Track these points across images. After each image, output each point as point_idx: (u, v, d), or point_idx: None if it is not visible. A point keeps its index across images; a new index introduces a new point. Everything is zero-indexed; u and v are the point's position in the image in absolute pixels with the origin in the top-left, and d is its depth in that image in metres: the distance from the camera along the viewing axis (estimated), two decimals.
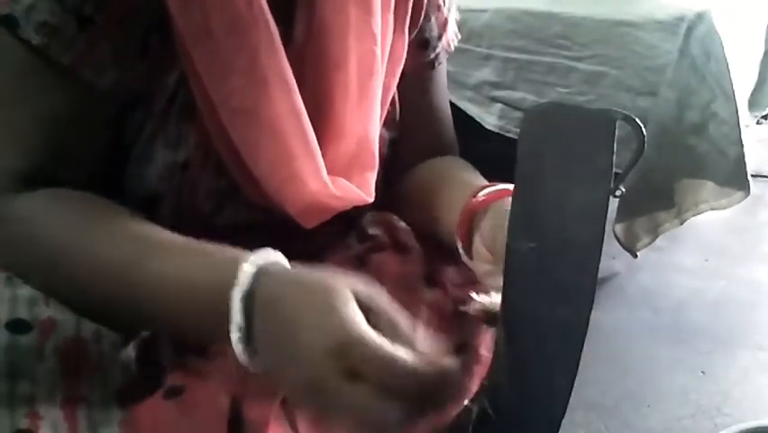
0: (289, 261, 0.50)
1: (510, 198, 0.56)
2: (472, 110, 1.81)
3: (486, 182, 0.66)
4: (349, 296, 0.45)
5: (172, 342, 0.57)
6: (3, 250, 0.57)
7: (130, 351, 0.54)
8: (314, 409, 0.46)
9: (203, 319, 0.49)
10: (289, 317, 0.45)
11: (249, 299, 0.46)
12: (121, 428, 0.52)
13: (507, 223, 0.52)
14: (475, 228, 0.61)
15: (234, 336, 0.46)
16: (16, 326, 0.52)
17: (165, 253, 0.52)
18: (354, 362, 0.42)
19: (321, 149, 0.62)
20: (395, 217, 0.74)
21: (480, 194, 0.62)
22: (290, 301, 0.46)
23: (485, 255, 0.59)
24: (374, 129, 0.67)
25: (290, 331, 0.44)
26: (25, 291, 0.54)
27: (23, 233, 0.55)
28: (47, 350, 0.52)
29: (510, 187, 0.59)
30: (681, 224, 1.67)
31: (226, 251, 0.50)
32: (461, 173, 0.72)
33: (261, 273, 0.47)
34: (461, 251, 0.63)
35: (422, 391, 0.42)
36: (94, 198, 0.57)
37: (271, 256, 0.49)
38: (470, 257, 0.62)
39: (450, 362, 0.43)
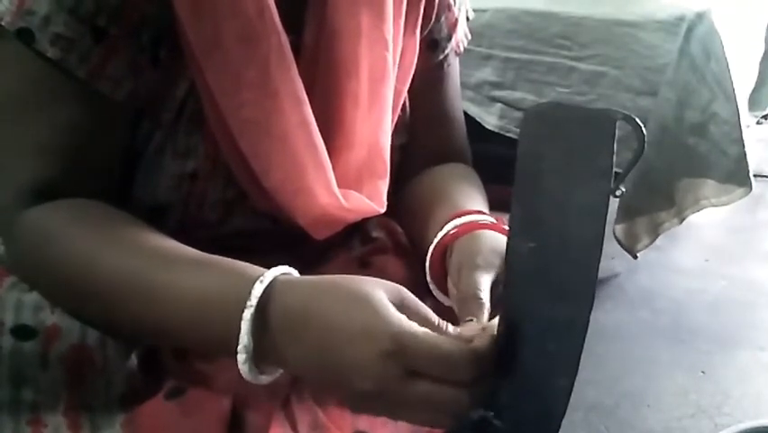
0: (292, 262, 0.50)
1: (477, 232, 0.58)
2: (472, 110, 1.81)
3: (473, 205, 0.65)
4: (382, 295, 0.45)
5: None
6: (20, 262, 0.56)
7: (133, 358, 0.54)
8: (380, 412, 0.46)
9: (211, 336, 0.49)
10: (328, 329, 0.45)
11: (260, 318, 0.46)
12: (123, 429, 0.52)
13: (470, 263, 0.54)
14: (448, 265, 0.60)
15: (241, 356, 0.46)
16: (21, 332, 0.52)
17: (178, 267, 0.52)
18: (410, 361, 0.43)
19: (332, 158, 0.62)
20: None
21: (450, 226, 0.61)
22: (323, 313, 0.45)
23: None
24: (385, 137, 0.67)
25: (334, 343, 0.44)
26: (31, 297, 0.54)
27: (40, 246, 0.54)
28: (51, 357, 0.52)
29: (482, 218, 0.61)
30: (681, 222, 1.67)
31: (238, 267, 0.50)
32: (454, 190, 0.69)
33: (274, 290, 0.47)
34: (434, 288, 0.62)
35: (480, 372, 0.44)
36: (109, 209, 0.56)
37: (282, 270, 0.49)
38: (446, 294, 0.60)
39: (488, 341, 0.45)
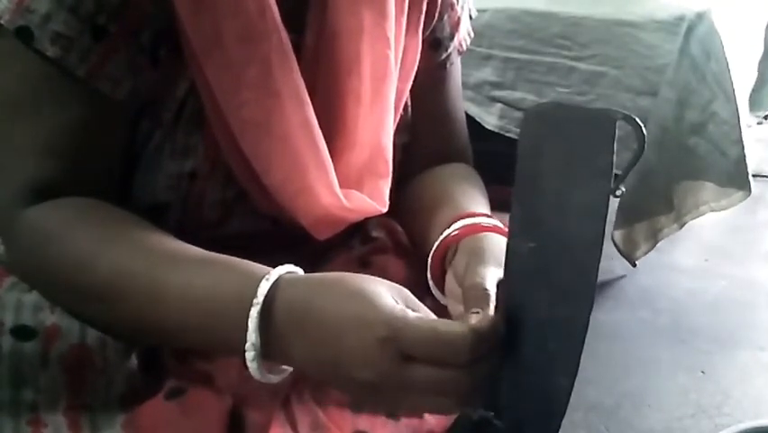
0: (293, 262, 0.50)
1: (482, 234, 0.58)
2: (472, 110, 1.81)
3: (476, 207, 0.65)
4: (381, 289, 0.46)
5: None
6: (20, 262, 0.56)
7: (133, 358, 0.54)
8: (379, 403, 0.47)
9: (217, 335, 0.49)
10: (325, 321, 0.45)
11: (266, 315, 0.46)
12: (123, 429, 0.52)
13: (477, 258, 0.55)
14: (448, 265, 0.60)
15: (250, 354, 0.46)
16: (21, 332, 0.52)
17: (183, 265, 0.52)
18: (406, 345, 0.43)
19: (334, 158, 0.61)
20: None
21: (454, 227, 0.61)
22: (322, 307, 0.46)
23: (458, 294, 0.56)
24: (387, 136, 0.66)
25: (332, 334, 0.45)
26: (30, 297, 0.54)
27: (40, 245, 0.54)
28: (51, 357, 0.52)
29: (486, 221, 0.61)
30: (681, 227, 1.67)
31: (244, 266, 0.50)
32: (458, 192, 0.69)
33: (279, 288, 0.47)
34: (433, 287, 0.62)
35: (476, 356, 0.44)
36: (110, 207, 0.56)
37: (288, 269, 0.49)
38: (444, 294, 0.60)
39: (486, 323, 0.45)
